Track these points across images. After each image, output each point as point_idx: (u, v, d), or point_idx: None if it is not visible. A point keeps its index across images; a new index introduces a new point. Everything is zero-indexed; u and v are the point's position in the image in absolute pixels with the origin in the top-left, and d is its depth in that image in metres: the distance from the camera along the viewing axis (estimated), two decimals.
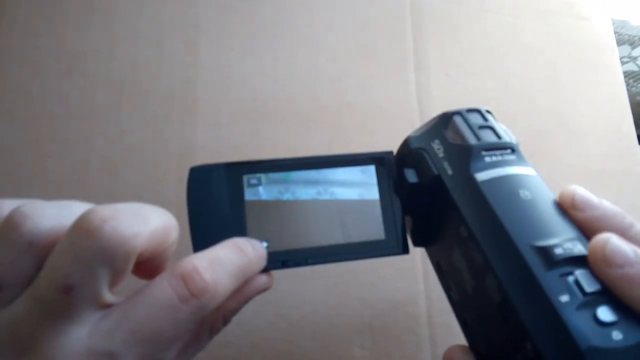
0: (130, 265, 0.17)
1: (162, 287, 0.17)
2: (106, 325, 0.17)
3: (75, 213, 0.17)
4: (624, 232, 0.19)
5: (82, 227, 0.16)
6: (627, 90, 0.44)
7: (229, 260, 0.19)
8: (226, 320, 0.22)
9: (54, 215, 0.17)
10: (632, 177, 0.41)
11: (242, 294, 0.22)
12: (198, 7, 0.39)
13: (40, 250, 0.17)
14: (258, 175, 0.23)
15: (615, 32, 0.47)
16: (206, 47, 0.38)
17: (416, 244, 0.25)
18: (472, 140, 0.22)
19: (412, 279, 0.34)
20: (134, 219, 0.17)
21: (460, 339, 0.22)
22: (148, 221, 0.17)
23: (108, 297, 0.17)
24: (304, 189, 0.23)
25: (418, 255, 0.34)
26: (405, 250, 0.24)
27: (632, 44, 0.65)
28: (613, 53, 0.46)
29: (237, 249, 0.20)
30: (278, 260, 0.22)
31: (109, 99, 0.35)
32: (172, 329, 0.17)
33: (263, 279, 0.22)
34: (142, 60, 0.37)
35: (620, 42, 0.64)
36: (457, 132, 0.23)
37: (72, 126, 0.34)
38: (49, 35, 0.36)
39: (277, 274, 0.23)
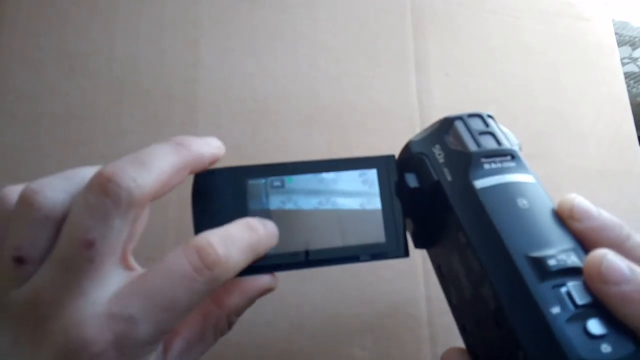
0: (141, 213, 0.19)
1: (178, 259, 0.18)
2: (126, 290, 0.18)
3: (83, 178, 0.18)
4: (621, 244, 0.19)
5: (92, 186, 0.17)
6: (628, 91, 0.44)
7: (239, 237, 0.20)
8: (230, 322, 0.22)
9: (63, 186, 0.18)
10: (632, 178, 0.41)
11: (245, 293, 0.22)
12: (199, 6, 0.39)
13: (56, 222, 0.18)
14: (261, 182, 0.23)
15: (616, 33, 0.47)
16: (207, 47, 0.38)
17: (417, 245, 0.25)
18: (472, 146, 0.22)
19: (413, 279, 0.34)
20: (136, 173, 0.18)
21: (461, 340, 0.22)
22: (150, 168, 0.18)
23: (129, 257, 0.19)
24: (305, 199, 0.24)
25: (418, 256, 0.34)
26: (405, 253, 0.24)
27: (633, 45, 0.65)
28: (614, 54, 0.45)
29: (248, 227, 0.21)
30: (280, 262, 0.23)
31: (109, 98, 0.35)
32: (186, 298, 0.18)
33: (266, 279, 0.23)
34: (142, 60, 0.37)
35: (620, 43, 0.64)
36: (458, 137, 0.23)
37: (72, 126, 0.34)
38: (50, 35, 0.36)
39: (279, 274, 0.23)
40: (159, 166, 0.19)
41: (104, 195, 0.17)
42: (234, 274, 0.19)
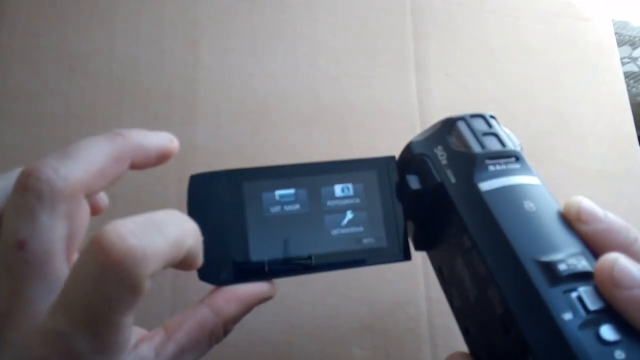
0: (77, 207, 0.17)
1: (83, 257, 0.15)
2: (56, 300, 0.16)
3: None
4: (628, 247, 0.19)
5: (16, 185, 0.17)
6: (628, 91, 0.44)
7: (166, 222, 0.17)
8: (227, 329, 0.21)
9: (2, 188, 0.18)
10: (632, 178, 0.41)
11: (243, 302, 0.21)
12: (199, 7, 0.39)
13: None
14: (258, 184, 0.23)
15: (616, 33, 0.47)
16: (207, 47, 0.38)
17: (418, 248, 0.25)
18: (476, 148, 0.22)
19: (413, 280, 0.34)
20: (58, 163, 0.17)
21: (461, 340, 0.22)
22: (76, 158, 0.17)
23: (73, 256, 0.17)
24: (305, 200, 0.23)
25: (418, 257, 0.34)
26: (407, 257, 0.24)
27: (633, 44, 0.65)
28: (614, 54, 0.45)
29: (177, 216, 0.18)
30: (280, 268, 0.22)
31: (109, 98, 0.35)
32: (103, 304, 0.15)
33: (265, 287, 0.22)
34: (142, 60, 0.37)
35: (620, 43, 0.64)
36: (461, 138, 0.23)
37: (72, 126, 0.34)
38: (50, 35, 0.36)
39: None
40: (87, 155, 0.18)
41: (26, 191, 0.16)
42: (158, 266, 0.16)
